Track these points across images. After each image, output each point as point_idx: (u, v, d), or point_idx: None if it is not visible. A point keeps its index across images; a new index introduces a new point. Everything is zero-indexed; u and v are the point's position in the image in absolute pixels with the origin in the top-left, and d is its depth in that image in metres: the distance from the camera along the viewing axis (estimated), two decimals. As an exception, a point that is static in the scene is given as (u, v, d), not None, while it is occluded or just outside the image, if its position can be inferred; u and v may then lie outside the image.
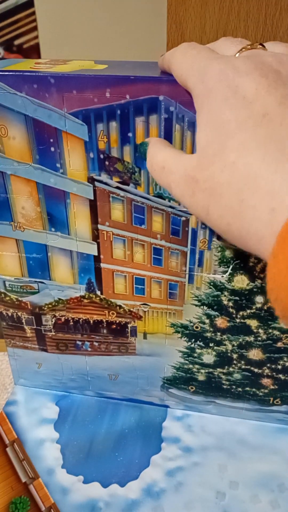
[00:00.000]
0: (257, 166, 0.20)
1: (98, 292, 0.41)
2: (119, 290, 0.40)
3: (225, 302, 0.39)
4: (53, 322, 0.44)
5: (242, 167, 0.21)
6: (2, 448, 0.44)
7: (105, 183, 0.35)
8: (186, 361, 0.43)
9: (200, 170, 0.24)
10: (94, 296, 0.41)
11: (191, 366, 0.44)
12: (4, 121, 0.34)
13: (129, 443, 0.44)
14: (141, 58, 0.46)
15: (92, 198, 0.36)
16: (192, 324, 0.41)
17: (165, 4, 0.47)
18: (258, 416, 0.46)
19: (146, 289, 0.40)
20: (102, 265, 0.39)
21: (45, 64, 0.35)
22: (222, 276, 0.38)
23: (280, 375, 0.42)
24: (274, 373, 0.42)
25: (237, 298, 0.38)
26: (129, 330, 0.43)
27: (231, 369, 0.43)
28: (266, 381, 0.43)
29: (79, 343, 0.45)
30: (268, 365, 0.42)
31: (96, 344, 0.45)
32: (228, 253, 0.36)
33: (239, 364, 0.42)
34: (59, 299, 0.42)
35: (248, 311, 0.39)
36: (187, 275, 0.38)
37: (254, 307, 0.39)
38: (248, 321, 0.39)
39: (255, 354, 0.41)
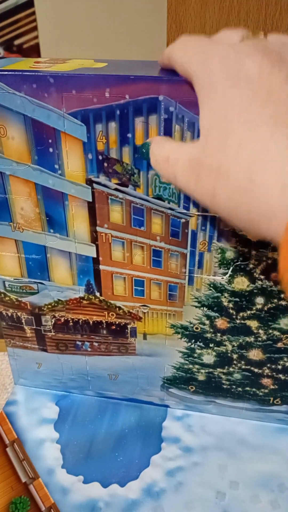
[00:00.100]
0: (266, 142, 0.20)
1: (97, 294, 0.41)
2: (119, 291, 0.40)
3: (225, 304, 0.39)
4: (52, 323, 0.44)
5: (251, 145, 0.21)
6: (2, 448, 0.44)
7: (104, 185, 0.35)
8: (186, 361, 0.43)
9: (205, 153, 0.23)
10: (93, 297, 0.41)
11: (191, 366, 0.43)
12: (3, 121, 0.33)
13: (129, 443, 0.44)
14: (142, 59, 0.46)
15: (90, 200, 0.36)
16: (192, 325, 0.41)
17: (165, 4, 0.47)
18: (258, 416, 0.46)
19: (146, 291, 0.40)
20: (101, 267, 0.39)
21: (45, 63, 0.35)
22: (222, 278, 0.38)
23: (280, 375, 0.42)
24: (274, 373, 0.42)
25: (237, 299, 0.38)
26: (128, 331, 0.43)
27: (231, 369, 0.43)
28: (266, 381, 0.43)
29: (79, 343, 0.45)
30: (268, 365, 0.42)
31: (96, 344, 0.45)
32: (228, 255, 0.36)
33: (239, 364, 0.42)
34: (59, 300, 0.42)
35: (249, 312, 0.39)
36: (187, 277, 0.38)
37: (254, 308, 0.38)
38: (248, 322, 0.39)
39: (255, 354, 0.41)
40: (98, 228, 0.37)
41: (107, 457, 0.43)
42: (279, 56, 0.22)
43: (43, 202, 0.37)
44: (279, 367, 0.41)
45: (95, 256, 0.39)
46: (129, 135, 0.32)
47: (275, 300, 0.38)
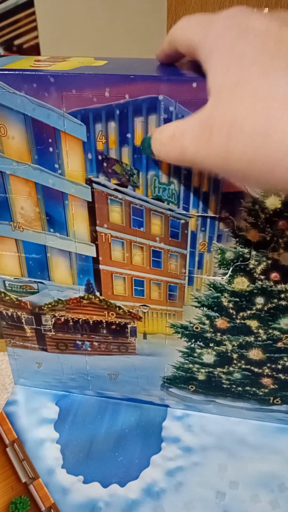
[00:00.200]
0: (282, 88, 0.20)
1: (97, 293, 0.41)
2: (118, 291, 0.40)
3: (225, 304, 0.39)
4: (52, 322, 0.44)
5: (265, 92, 0.20)
6: (2, 448, 0.44)
7: (103, 185, 0.35)
8: (186, 361, 0.43)
9: (217, 110, 0.23)
10: (93, 297, 0.41)
11: (191, 365, 0.43)
12: (4, 120, 0.33)
13: (129, 443, 0.44)
14: (141, 59, 0.46)
15: (90, 200, 0.36)
16: (192, 325, 0.41)
17: (165, 4, 0.47)
18: (258, 416, 0.45)
19: (146, 291, 0.40)
20: (101, 266, 0.39)
21: (45, 61, 0.35)
22: (222, 278, 0.37)
23: (280, 375, 0.42)
24: (274, 373, 0.42)
25: (237, 299, 0.38)
26: (128, 331, 0.43)
27: (231, 368, 0.43)
28: (266, 381, 0.43)
29: (79, 342, 0.45)
30: (268, 364, 0.42)
31: (96, 344, 0.45)
32: (228, 255, 0.36)
33: (239, 364, 0.42)
34: (59, 299, 0.42)
35: (249, 312, 0.39)
36: (186, 277, 0.38)
37: (254, 308, 0.38)
38: (248, 322, 0.39)
39: (255, 354, 0.41)
40: (98, 228, 0.37)
41: (107, 457, 0.43)
42: (285, 19, 0.22)
43: (43, 201, 0.37)
44: (279, 366, 0.41)
45: (95, 255, 0.39)
46: (129, 135, 0.32)
47: (275, 300, 0.38)
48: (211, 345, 0.42)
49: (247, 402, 0.45)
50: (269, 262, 0.36)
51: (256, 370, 0.42)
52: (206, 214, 0.35)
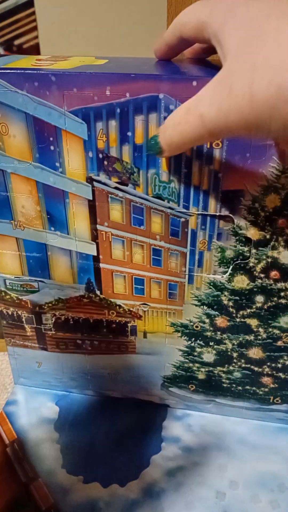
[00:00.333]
0: None
1: (98, 292, 0.41)
2: (119, 290, 0.40)
3: (225, 302, 0.39)
4: (53, 321, 0.44)
5: None
6: (2, 448, 0.44)
7: (104, 183, 0.35)
8: (186, 360, 0.43)
9: (236, 63, 0.22)
10: (93, 295, 0.41)
11: (191, 364, 0.43)
12: (5, 119, 0.34)
13: (129, 443, 0.44)
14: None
15: (90, 198, 0.36)
16: (192, 323, 0.41)
17: (165, 4, 0.47)
18: (258, 416, 0.45)
19: (146, 289, 0.40)
20: (101, 265, 0.39)
21: (46, 60, 0.35)
22: (222, 277, 0.38)
23: (280, 374, 0.42)
24: (274, 372, 0.42)
25: (237, 298, 0.38)
26: (129, 329, 0.43)
27: (231, 367, 0.43)
28: (266, 380, 0.43)
29: (79, 342, 0.45)
30: (268, 363, 0.42)
31: (96, 343, 0.45)
32: (228, 254, 0.36)
33: (239, 363, 0.42)
34: (59, 298, 0.42)
35: (249, 310, 0.39)
36: (186, 276, 0.38)
37: (254, 306, 0.38)
38: (248, 320, 0.39)
39: (255, 352, 0.41)
40: (98, 226, 0.37)
41: (107, 457, 0.43)
42: None
43: (44, 200, 0.37)
44: (279, 365, 0.41)
45: (95, 254, 0.39)
46: (129, 133, 0.32)
47: (275, 299, 0.38)
48: (211, 344, 0.42)
49: (247, 401, 0.45)
50: (269, 260, 0.36)
51: (256, 369, 0.42)
52: (206, 213, 0.35)
